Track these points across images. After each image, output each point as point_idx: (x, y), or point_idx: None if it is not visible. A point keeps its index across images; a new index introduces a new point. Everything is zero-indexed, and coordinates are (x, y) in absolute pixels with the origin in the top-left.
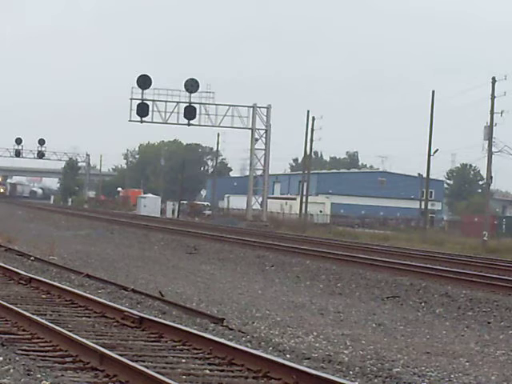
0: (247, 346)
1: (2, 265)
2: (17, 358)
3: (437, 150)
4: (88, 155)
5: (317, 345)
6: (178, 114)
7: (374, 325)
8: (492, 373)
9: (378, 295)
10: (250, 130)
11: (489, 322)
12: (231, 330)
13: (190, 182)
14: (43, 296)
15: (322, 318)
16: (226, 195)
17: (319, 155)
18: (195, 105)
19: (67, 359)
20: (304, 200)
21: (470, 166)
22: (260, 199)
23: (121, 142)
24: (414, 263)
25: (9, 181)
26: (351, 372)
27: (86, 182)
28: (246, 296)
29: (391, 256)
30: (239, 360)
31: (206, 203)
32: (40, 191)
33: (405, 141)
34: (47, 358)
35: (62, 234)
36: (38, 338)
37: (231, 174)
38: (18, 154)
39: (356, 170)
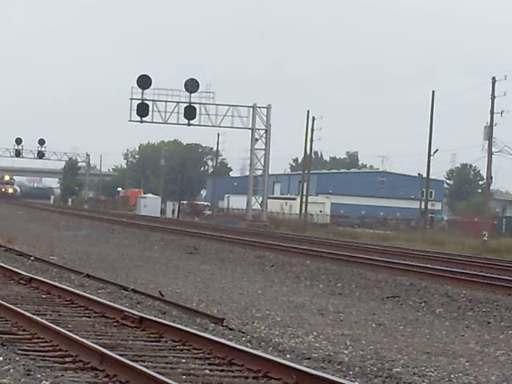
0: (247, 346)
1: (2, 265)
2: (17, 358)
3: (437, 150)
4: (88, 155)
5: (317, 345)
6: (178, 114)
7: (374, 325)
8: (492, 373)
9: (378, 295)
10: (250, 130)
11: (489, 322)
12: (231, 329)
13: (190, 182)
14: (43, 296)
15: (321, 318)
16: (226, 195)
17: (319, 155)
18: (195, 105)
19: (67, 359)
20: (304, 200)
21: (470, 166)
22: (260, 199)
23: (121, 141)
24: (413, 263)
25: None
26: (351, 372)
27: (86, 182)
28: (245, 296)
29: (391, 256)
30: (239, 360)
31: (206, 203)
32: (18, 189)
33: (405, 141)
34: (47, 358)
35: (61, 234)
36: (38, 338)
37: (231, 174)
38: (18, 153)
39: (356, 170)
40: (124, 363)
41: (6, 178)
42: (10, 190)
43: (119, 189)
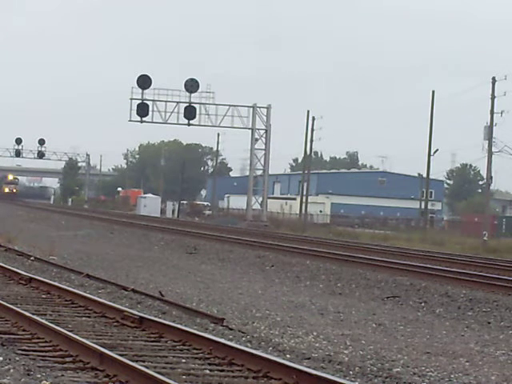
0: (247, 346)
1: (2, 265)
2: (17, 358)
3: (437, 150)
4: (88, 155)
5: (317, 345)
6: (178, 114)
7: (374, 325)
8: (492, 373)
9: (378, 295)
10: (250, 130)
11: (489, 322)
12: (231, 329)
13: (190, 182)
14: (43, 296)
15: (321, 318)
16: (226, 195)
17: (319, 155)
18: (195, 105)
19: (67, 359)
20: (304, 200)
21: (470, 166)
22: (260, 199)
23: (121, 141)
24: (413, 263)
25: None
26: (351, 372)
27: (86, 182)
28: (245, 296)
29: (391, 256)
30: (239, 360)
31: (206, 203)
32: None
33: (405, 141)
34: (47, 358)
35: (61, 234)
36: (38, 338)
37: (231, 174)
38: (18, 153)
39: (356, 170)
40: (124, 363)
41: (10, 177)
42: (14, 190)
43: (119, 189)
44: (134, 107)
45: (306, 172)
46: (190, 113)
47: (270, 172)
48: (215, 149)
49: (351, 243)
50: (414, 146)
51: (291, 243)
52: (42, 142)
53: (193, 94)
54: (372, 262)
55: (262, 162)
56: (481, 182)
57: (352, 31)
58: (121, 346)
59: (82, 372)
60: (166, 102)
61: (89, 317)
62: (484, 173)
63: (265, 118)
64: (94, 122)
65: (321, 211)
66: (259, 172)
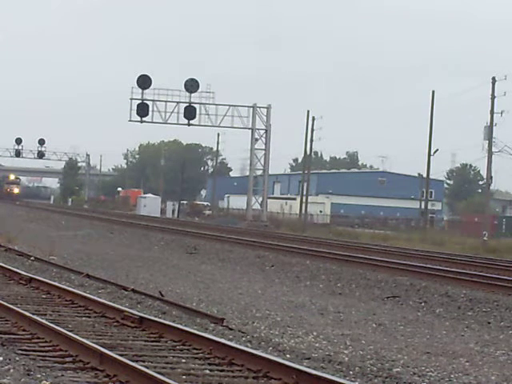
0: (247, 346)
1: (2, 265)
2: (17, 358)
3: (437, 150)
4: (88, 155)
5: (317, 345)
6: (178, 114)
7: (374, 325)
8: (492, 373)
9: (378, 295)
10: (250, 130)
11: (489, 322)
12: (231, 329)
13: (190, 182)
14: (43, 296)
15: (321, 318)
16: (226, 195)
17: (319, 155)
18: (195, 105)
19: (67, 359)
20: (304, 200)
21: (470, 166)
22: (260, 199)
23: (121, 141)
24: (413, 263)
25: None
26: (351, 372)
27: (86, 182)
28: (245, 296)
29: (391, 256)
30: (239, 360)
31: (206, 203)
32: None
33: (405, 141)
34: (47, 358)
35: (61, 234)
36: (38, 338)
37: (231, 174)
38: (18, 154)
39: (356, 170)
40: (124, 363)
41: (12, 177)
42: (16, 190)
43: (119, 189)
44: (134, 107)
45: (306, 172)
46: (190, 113)
47: (270, 172)
48: (215, 149)
49: (351, 243)
50: (414, 146)
51: (291, 243)
52: (41, 141)
53: (193, 94)
54: (372, 261)
55: (262, 162)
56: (481, 182)
57: (352, 31)
58: (121, 346)
59: (82, 372)
60: (166, 102)
61: (89, 317)
62: (484, 173)
63: (265, 117)
64: (94, 122)
65: (321, 211)
66: (259, 172)
